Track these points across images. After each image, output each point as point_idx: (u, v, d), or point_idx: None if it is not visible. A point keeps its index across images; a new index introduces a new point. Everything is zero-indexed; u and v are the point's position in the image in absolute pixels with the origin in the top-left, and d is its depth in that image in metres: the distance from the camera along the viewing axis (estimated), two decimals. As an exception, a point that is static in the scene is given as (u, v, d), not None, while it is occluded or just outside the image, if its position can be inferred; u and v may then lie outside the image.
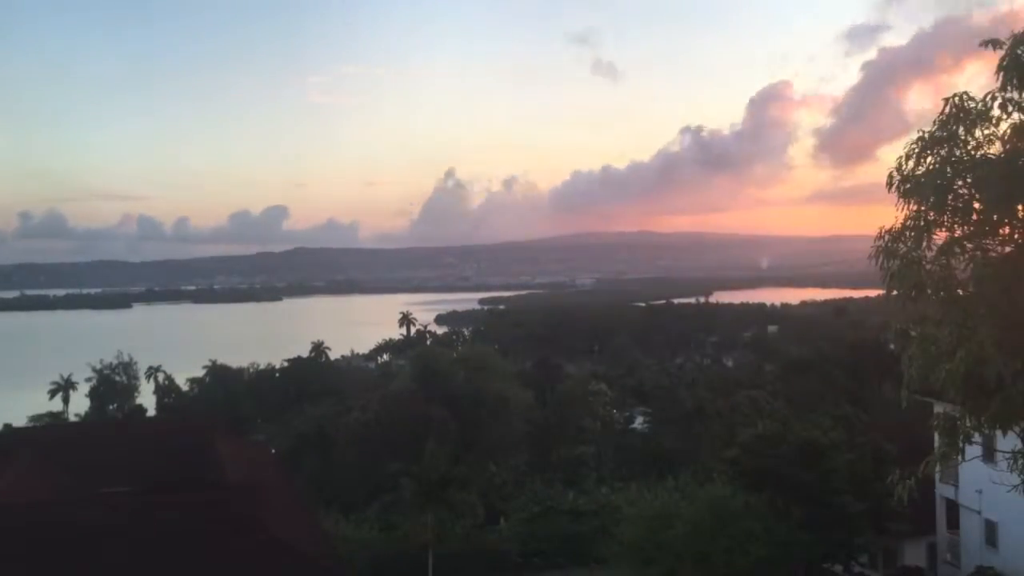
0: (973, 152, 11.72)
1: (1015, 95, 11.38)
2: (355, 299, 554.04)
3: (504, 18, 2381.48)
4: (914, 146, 12.02)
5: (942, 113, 11.80)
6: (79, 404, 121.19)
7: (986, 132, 11.69)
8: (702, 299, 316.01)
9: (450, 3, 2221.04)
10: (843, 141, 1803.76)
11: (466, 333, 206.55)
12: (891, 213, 12.23)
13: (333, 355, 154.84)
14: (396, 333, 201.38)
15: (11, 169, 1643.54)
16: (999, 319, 11.22)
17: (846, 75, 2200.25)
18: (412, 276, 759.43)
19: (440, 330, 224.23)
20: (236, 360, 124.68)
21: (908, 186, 11.99)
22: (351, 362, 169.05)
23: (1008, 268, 11.15)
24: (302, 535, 25.25)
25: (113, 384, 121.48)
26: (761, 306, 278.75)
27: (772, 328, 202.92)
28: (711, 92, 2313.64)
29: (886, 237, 12.13)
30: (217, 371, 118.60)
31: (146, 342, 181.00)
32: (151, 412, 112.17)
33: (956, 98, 11.71)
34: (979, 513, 32.97)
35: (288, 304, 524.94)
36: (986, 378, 11.27)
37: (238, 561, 21.13)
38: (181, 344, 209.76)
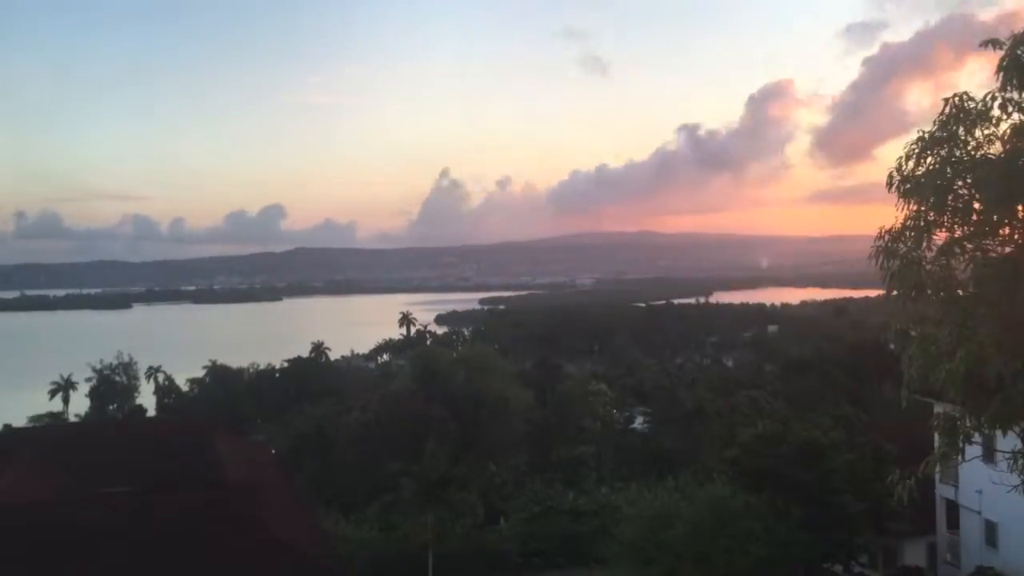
0: (973, 152, 11.74)
1: (1015, 95, 11.40)
2: (355, 299, 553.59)
3: (503, 18, 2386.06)
4: (914, 146, 12.06)
5: (942, 113, 11.83)
6: (79, 404, 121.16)
7: (986, 132, 11.72)
8: (702, 299, 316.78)
9: (449, 3, 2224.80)
10: (843, 140, 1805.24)
11: (466, 333, 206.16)
12: (891, 213, 12.29)
13: (333, 355, 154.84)
14: (396, 333, 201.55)
15: (11, 169, 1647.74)
16: (999, 319, 11.24)
17: (846, 73, 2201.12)
18: (412, 276, 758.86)
19: (440, 330, 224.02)
20: (236, 360, 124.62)
21: (908, 186, 12.03)
22: (351, 362, 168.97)
23: (1008, 268, 11.16)
24: (302, 535, 25.26)
25: (113, 384, 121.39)
26: (761, 306, 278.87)
27: (772, 328, 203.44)
28: (710, 91, 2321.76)
29: (886, 237, 12.16)
30: (217, 371, 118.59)
31: (146, 342, 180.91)
32: (151, 412, 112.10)
33: (956, 98, 11.75)
34: (979, 513, 32.97)
35: (288, 304, 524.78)
36: (986, 378, 11.28)
37: (238, 561, 21.14)
38: (181, 344, 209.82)
